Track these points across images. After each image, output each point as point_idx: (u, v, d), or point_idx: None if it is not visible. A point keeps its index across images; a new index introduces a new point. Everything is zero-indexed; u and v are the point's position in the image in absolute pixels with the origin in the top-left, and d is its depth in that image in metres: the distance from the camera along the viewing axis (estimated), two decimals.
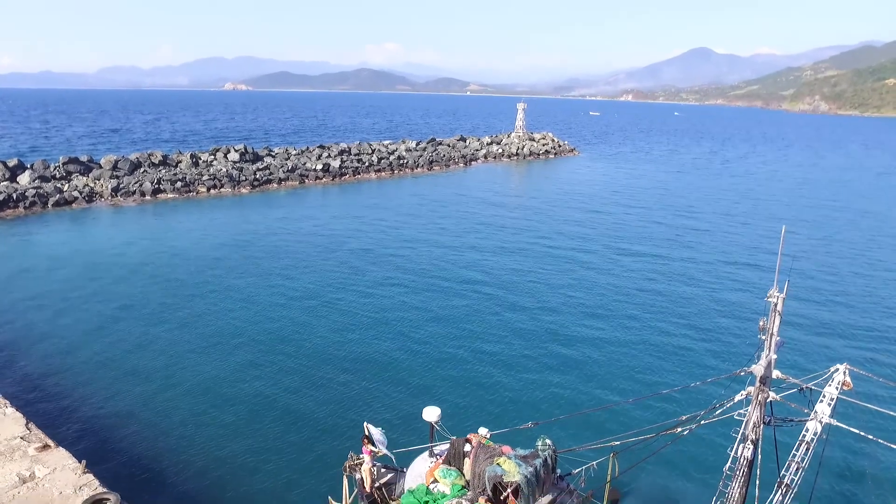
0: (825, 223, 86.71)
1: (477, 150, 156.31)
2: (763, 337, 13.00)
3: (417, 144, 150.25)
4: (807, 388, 15.20)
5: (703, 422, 14.48)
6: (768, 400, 13.39)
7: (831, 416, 15.90)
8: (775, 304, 12.67)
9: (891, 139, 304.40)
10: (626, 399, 19.89)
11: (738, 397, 13.72)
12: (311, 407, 32.66)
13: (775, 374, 13.32)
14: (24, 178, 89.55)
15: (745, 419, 13.23)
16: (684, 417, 15.35)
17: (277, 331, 42.90)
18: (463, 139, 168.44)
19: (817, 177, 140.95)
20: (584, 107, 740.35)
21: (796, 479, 15.86)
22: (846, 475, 27.32)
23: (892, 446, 16.15)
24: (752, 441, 12.95)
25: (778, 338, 13.46)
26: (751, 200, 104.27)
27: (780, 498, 16.04)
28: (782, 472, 16.20)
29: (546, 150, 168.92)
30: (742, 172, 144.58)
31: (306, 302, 48.83)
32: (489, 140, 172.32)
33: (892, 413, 18.21)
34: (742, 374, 13.73)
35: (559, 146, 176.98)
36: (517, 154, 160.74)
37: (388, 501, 19.24)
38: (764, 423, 13.68)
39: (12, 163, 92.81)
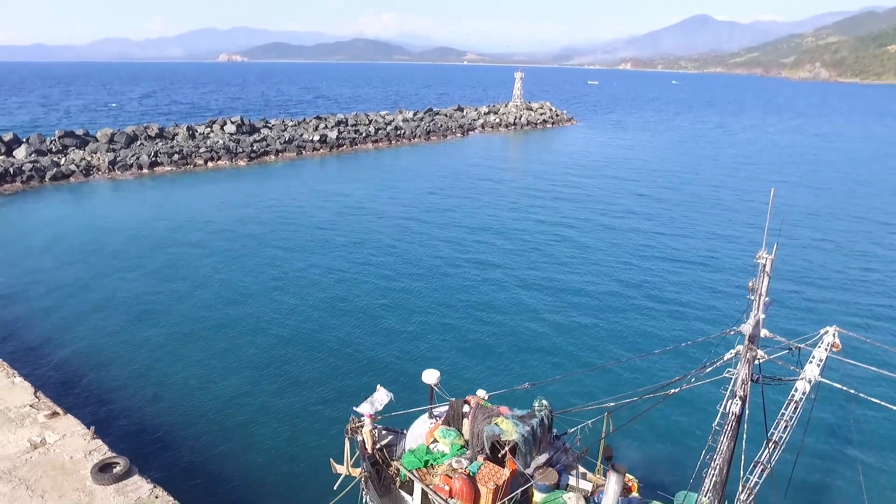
0: (820, 190, 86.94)
1: (474, 119, 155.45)
2: (752, 297, 13.41)
3: (414, 115, 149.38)
4: (795, 347, 15.70)
5: (693, 381, 14.98)
6: (757, 358, 13.87)
7: (820, 376, 16.45)
8: (763, 265, 13.07)
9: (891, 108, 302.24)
10: (621, 360, 20.32)
11: (727, 356, 14.21)
12: (312, 374, 33.38)
13: (764, 333, 13.78)
14: (20, 153, 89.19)
15: (734, 376, 13.74)
16: (676, 379, 15.85)
17: (278, 300, 43.48)
18: (460, 109, 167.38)
19: (807, 143, 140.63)
20: (583, 76, 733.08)
21: (784, 436, 16.48)
22: (834, 433, 28.17)
23: (881, 403, 16.71)
24: (740, 397, 13.48)
25: (766, 298, 13.87)
26: (741, 167, 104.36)
27: (769, 454, 16.71)
28: (771, 429, 16.85)
29: (543, 120, 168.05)
30: (737, 142, 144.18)
31: (306, 271, 49.32)
32: (486, 110, 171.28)
33: (880, 371, 18.73)
34: (732, 333, 14.19)
35: (557, 116, 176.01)
36: (514, 124, 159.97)
37: (389, 462, 19.86)
38: (752, 380, 14.18)
39: (8, 137, 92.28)
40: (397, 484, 19.70)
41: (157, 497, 20.97)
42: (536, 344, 36.39)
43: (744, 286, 14.36)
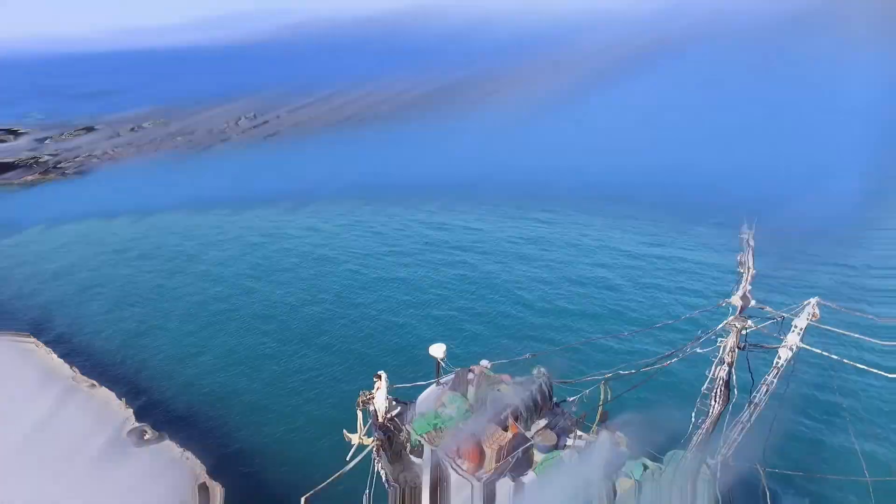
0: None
1: None
2: (740, 270, 14.54)
3: None
4: (780, 317, 16.85)
5: (688, 350, 16.15)
6: (746, 328, 15.04)
7: (800, 342, 17.70)
8: (747, 240, 14.20)
9: None
10: (620, 333, 21.41)
11: (718, 327, 15.35)
12: (325, 355, 35.08)
13: (752, 303, 14.91)
14: (22, 142, 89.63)
15: (723, 344, 14.92)
16: (669, 352, 17.01)
17: (289, 285, 45.00)
18: None
19: None
20: None
21: (764, 398, 17.76)
22: (811, 395, 30.02)
23: (857, 365, 17.91)
24: (727, 363, 14.71)
25: (753, 271, 14.96)
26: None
27: (749, 414, 18.01)
28: (753, 392, 18.13)
29: None
30: None
31: (319, 250, 51.21)
32: None
33: (857, 337, 19.86)
34: (722, 304, 15.32)
35: None
36: None
37: (400, 430, 21.16)
38: (739, 348, 15.36)
39: (10, 126, 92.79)
40: (408, 450, 21.04)
41: (187, 458, 22.49)
42: (539, 321, 37.65)
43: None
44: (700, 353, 18.13)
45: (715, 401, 15.84)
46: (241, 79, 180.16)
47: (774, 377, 17.97)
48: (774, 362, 18.05)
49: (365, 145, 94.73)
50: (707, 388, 16.31)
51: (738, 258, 14.97)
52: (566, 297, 41.91)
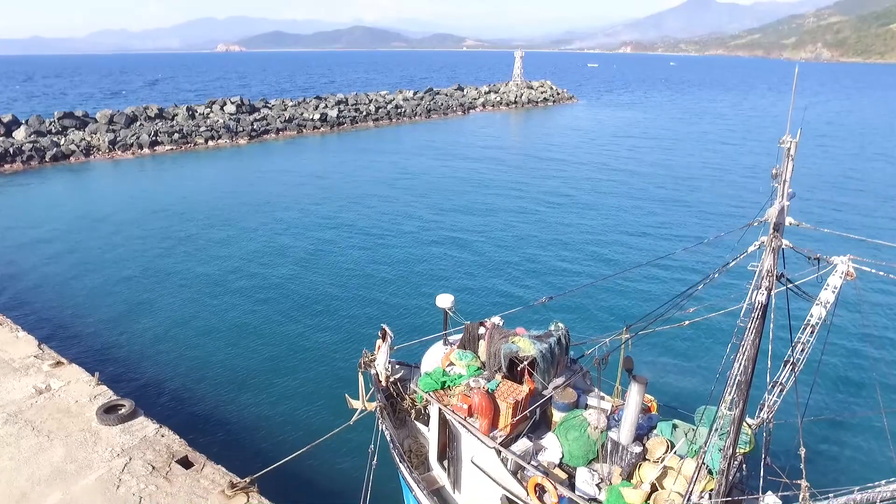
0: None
1: (475, 98, 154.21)
2: (775, 184, 12.73)
3: (414, 94, 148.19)
4: (815, 258, 15.05)
5: (715, 275, 14.31)
6: (782, 248, 13.21)
7: (835, 303, 16.18)
8: (788, 150, 12.39)
9: None
10: (640, 263, 19.63)
11: (750, 249, 13.52)
12: (321, 316, 33.46)
13: (788, 220, 13.11)
14: (19, 134, 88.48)
15: (759, 267, 13.07)
16: (700, 287, 15.18)
17: (279, 246, 43.76)
18: (461, 88, 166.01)
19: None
20: (582, 60, 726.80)
21: (802, 357, 16.35)
22: (849, 358, 28.30)
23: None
24: (765, 287, 12.82)
25: (790, 190, 13.18)
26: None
27: (787, 375, 16.46)
28: (788, 352, 16.51)
29: (544, 98, 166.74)
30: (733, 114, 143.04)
31: (319, 231, 48.88)
32: (487, 89, 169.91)
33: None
34: (755, 224, 13.49)
35: (557, 94, 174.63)
36: (515, 102, 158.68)
37: (404, 396, 19.43)
38: (777, 278, 13.54)
39: (7, 118, 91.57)
40: (412, 416, 19.30)
41: (163, 436, 20.54)
42: (553, 263, 36.43)
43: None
44: (731, 282, 16.56)
45: (752, 330, 13.81)
46: None
47: (810, 336, 16.60)
48: (806, 319, 16.73)
49: None
50: (742, 321, 14.19)
51: (773, 171, 13.03)
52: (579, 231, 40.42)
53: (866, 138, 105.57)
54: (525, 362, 15.90)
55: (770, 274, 13.53)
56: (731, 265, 14.05)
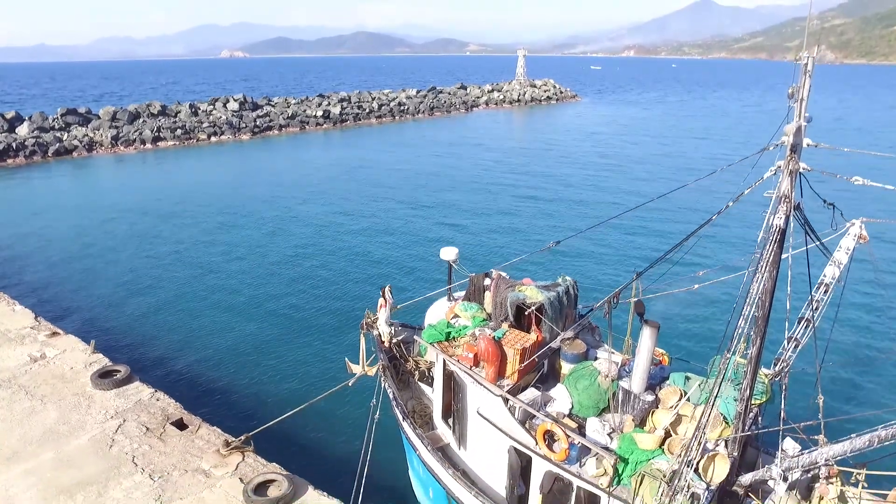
0: None
1: (478, 97, 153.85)
2: (792, 103, 12.08)
3: (418, 92, 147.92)
4: (829, 204, 14.46)
5: (730, 205, 13.61)
6: (800, 171, 12.56)
7: (848, 264, 15.67)
8: (805, 65, 11.76)
9: None
10: (649, 200, 18.86)
11: (767, 174, 12.84)
12: (319, 279, 33.19)
13: (806, 142, 12.47)
14: (22, 129, 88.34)
15: (776, 191, 12.41)
16: (713, 218, 14.35)
17: (276, 218, 42.81)
18: (464, 87, 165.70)
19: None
20: (585, 63, 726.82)
21: (816, 315, 15.75)
22: (863, 318, 27.92)
23: None
24: (783, 212, 12.20)
25: (807, 114, 12.54)
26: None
27: (802, 331, 15.93)
28: (803, 309, 15.99)
29: (548, 97, 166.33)
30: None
31: (320, 218, 48.37)
32: (490, 87, 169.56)
33: None
34: (771, 148, 12.82)
35: (561, 92, 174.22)
36: (518, 100, 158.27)
37: (407, 358, 18.86)
38: (795, 207, 12.88)
39: (10, 115, 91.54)
40: (416, 377, 18.72)
41: (158, 399, 19.98)
42: (559, 209, 36.19)
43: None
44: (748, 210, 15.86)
45: (770, 253, 13.08)
46: None
47: (824, 294, 16.08)
48: (821, 279, 16.23)
49: None
50: (759, 251, 13.37)
51: (790, 90, 12.30)
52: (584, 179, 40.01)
53: (877, 128, 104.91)
54: (533, 307, 15.30)
55: (787, 199, 12.89)
56: (745, 193, 13.38)
